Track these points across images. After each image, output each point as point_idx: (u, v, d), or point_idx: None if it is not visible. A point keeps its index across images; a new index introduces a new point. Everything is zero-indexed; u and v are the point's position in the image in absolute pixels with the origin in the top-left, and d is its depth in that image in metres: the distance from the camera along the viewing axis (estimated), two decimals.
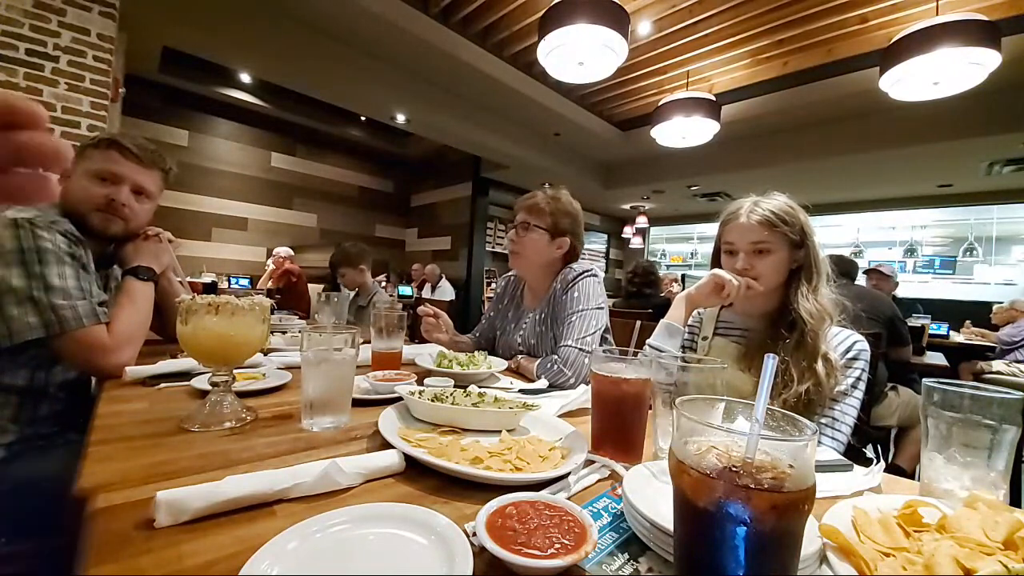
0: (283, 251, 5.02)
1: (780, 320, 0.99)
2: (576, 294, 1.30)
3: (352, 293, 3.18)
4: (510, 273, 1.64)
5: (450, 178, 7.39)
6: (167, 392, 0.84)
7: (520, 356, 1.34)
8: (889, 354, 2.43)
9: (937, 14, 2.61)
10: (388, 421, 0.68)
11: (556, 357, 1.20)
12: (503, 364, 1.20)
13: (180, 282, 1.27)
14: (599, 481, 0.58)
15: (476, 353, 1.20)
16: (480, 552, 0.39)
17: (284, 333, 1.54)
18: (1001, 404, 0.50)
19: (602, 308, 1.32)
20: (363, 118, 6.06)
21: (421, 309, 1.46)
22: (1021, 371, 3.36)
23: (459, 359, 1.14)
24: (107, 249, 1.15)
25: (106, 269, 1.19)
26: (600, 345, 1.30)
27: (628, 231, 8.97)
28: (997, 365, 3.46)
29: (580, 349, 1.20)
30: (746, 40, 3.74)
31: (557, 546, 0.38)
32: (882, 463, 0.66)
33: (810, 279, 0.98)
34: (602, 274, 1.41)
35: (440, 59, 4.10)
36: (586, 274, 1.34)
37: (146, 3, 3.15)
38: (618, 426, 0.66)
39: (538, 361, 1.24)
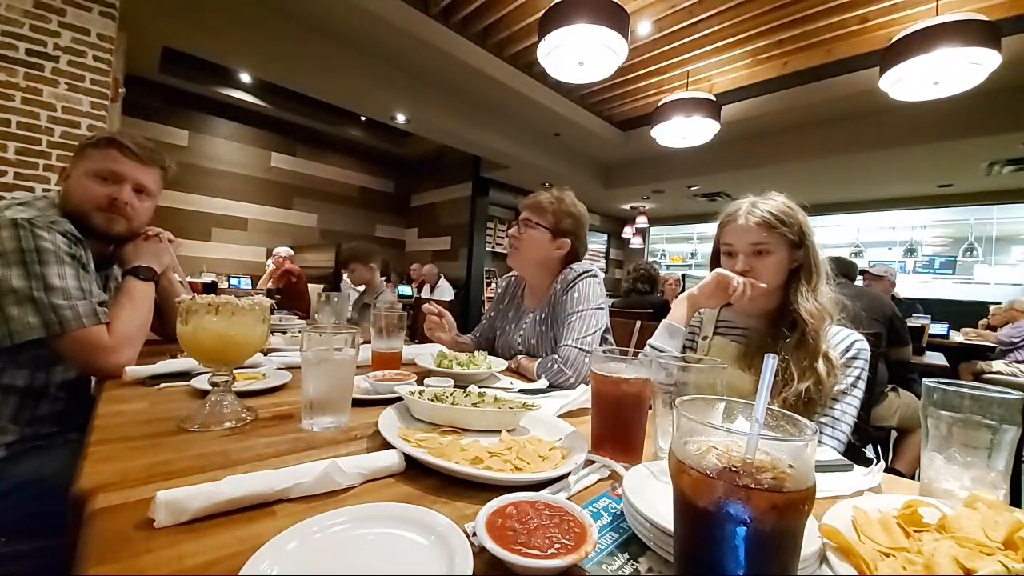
0: (283, 251, 5.01)
1: (780, 320, 0.99)
2: (576, 294, 1.30)
3: (354, 291, 3.18)
4: (511, 274, 1.64)
5: (450, 178, 7.39)
6: (167, 392, 0.84)
7: (520, 356, 1.34)
8: (889, 354, 2.43)
9: (937, 14, 2.61)
10: (388, 421, 0.68)
11: (556, 357, 1.20)
12: (503, 364, 1.20)
13: (180, 282, 1.27)
14: (599, 481, 0.58)
15: (476, 353, 1.20)
16: (480, 552, 0.39)
17: (284, 333, 1.54)
18: (1001, 404, 0.50)
19: (602, 308, 1.31)
20: (363, 118, 6.06)
21: (426, 307, 1.45)
22: (1021, 371, 3.37)
23: (459, 359, 1.13)
24: (107, 249, 1.15)
25: (106, 269, 1.19)
26: (600, 345, 1.30)
27: (628, 231, 8.97)
28: (997, 365, 3.46)
29: (580, 349, 1.20)
30: (746, 40, 3.74)
31: (557, 546, 0.38)
32: (882, 463, 0.66)
33: (809, 279, 0.98)
34: (602, 274, 1.42)
35: (440, 59, 4.10)
36: (586, 274, 1.34)
37: (146, 3, 3.15)
38: (618, 426, 0.66)
39: (538, 361, 1.24)
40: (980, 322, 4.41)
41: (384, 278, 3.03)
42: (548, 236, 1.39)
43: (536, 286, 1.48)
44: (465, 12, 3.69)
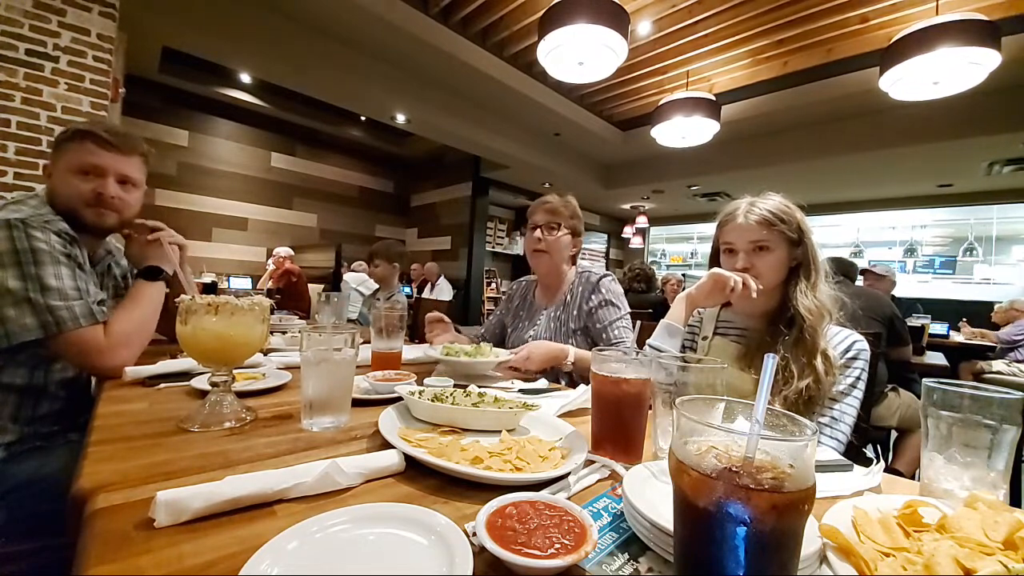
0: (283, 251, 5.02)
1: (779, 318, 1.00)
2: (610, 297, 1.40)
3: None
4: (522, 279, 1.72)
5: (450, 178, 7.39)
6: (167, 392, 0.84)
7: (569, 347, 1.30)
8: (889, 354, 2.43)
9: (937, 14, 2.61)
10: (388, 421, 0.68)
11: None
12: (507, 355, 1.21)
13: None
14: (599, 481, 0.58)
15: (482, 344, 1.23)
16: (480, 552, 0.39)
17: (284, 333, 1.54)
18: (1001, 404, 0.50)
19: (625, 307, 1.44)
20: (363, 118, 6.06)
21: (429, 316, 1.52)
22: (1021, 371, 3.37)
23: (465, 349, 1.16)
24: (101, 245, 1.15)
25: (101, 266, 1.19)
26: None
27: (628, 231, 8.97)
28: (997, 365, 3.46)
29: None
30: (746, 40, 3.74)
31: (557, 546, 0.38)
32: (882, 463, 0.66)
33: (808, 276, 0.99)
34: None
35: (440, 59, 4.10)
36: (607, 276, 1.45)
37: (146, 3, 3.15)
38: (618, 426, 0.66)
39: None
40: (963, 320, 4.43)
41: (402, 283, 3.06)
42: (569, 237, 1.47)
43: (551, 284, 1.54)
44: (465, 12, 3.69)
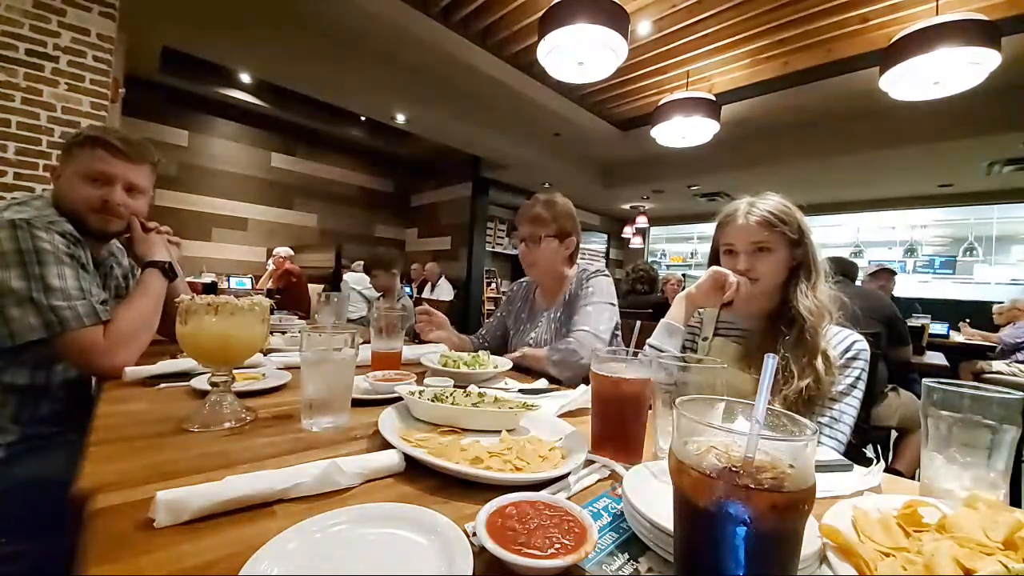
0: (283, 251, 5.02)
1: (780, 318, 1.00)
2: (591, 288, 1.37)
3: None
4: (521, 280, 1.71)
5: (450, 178, 7.39)
6: (167, 392, 0.84)
7: (525, 348, 1.37)
8: (889, 354, 2.43)
9: (937, 14, 2.61)
10: (388, 421, 0.68)
11: (571, 339, 1.25)
12: (508, 364, 1.21)
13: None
14: (599, 481, 0.58)
15: (480, 353, 1.22)
16: (480, 552, 0.39)
17: (284, 333, 1.54)
18: (1001, 404, 0.50)
19: (614, 305, 1.38)
20: (363, 118, 6.06)
21: (420, 308, 1.52)
22: (1021, 371, 3.37)
23: (463, 359, 1.15)
24: (104, 248, 1.15)
25: (104, 268, 1.19)
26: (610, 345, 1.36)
27: (628, 231, 8.97)
28: (997, 365, 3.46)
29: (595, 335, 1.25)
30: (746, 40, 3.74)
31: (557, 546, 0.38)
32: (882, 463, 0.66)
33: (809, 277, 0.99)
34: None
35: (440, 59, 4.10)
36: (599, 272, 1.43)
37: (146, 3, 3.15)
38: (618, 426, 0.66)
39: (548, 347, 1.28)
40: (965, 320, 4.42)
41: (403, 284, 3.06)
42: (556, 243, 1.45)
43: (551, 287, 1.54)
44: (465, 12, 3.68)
